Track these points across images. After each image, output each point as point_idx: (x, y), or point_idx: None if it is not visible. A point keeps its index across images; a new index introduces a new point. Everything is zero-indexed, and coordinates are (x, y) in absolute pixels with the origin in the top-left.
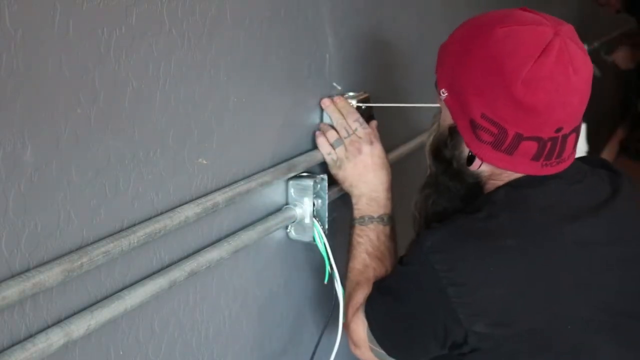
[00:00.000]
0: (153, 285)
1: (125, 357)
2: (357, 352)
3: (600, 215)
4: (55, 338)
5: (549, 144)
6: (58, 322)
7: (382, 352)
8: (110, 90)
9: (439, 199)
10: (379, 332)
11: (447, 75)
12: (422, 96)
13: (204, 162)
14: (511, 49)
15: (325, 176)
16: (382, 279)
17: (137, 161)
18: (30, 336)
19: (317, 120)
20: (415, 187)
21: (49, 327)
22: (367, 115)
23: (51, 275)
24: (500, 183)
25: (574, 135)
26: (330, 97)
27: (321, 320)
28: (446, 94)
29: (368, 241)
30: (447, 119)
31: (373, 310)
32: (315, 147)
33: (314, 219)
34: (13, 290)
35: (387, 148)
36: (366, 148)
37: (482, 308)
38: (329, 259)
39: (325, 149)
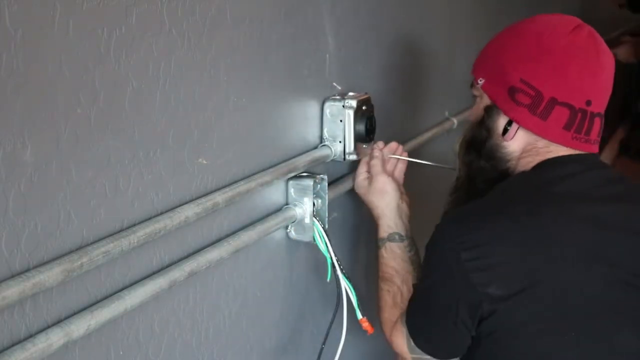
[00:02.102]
0: (153, 285)
1: (125, 357)
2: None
3: (611, 203)
4: (55, 338)
5: (579, 115)
6: (58, 322)
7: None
8: (110, 90)
9: (473, 194)
10: (412, 328)
11: (486, 64)
12: (421, 96)
13: (204, 162)
14: (547, 25)
15: (325, 176)
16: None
17: (137, 161)
18: (30, 336)
19: (317, 120)
20: (416, 187)
21: (49, 327)
22: (367, 114)
23: (51, 275)
24: (528, 166)
25: (598, 120)
26: (331, 97)
27: (322, 319)
28: (483, 80)
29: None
30: (480, 105)
31: (408, 311)
32: (315, 147)
33: (314, 219)
34: (13, 290)
35: None
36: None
37: (494, 268)
38: (330, 257)
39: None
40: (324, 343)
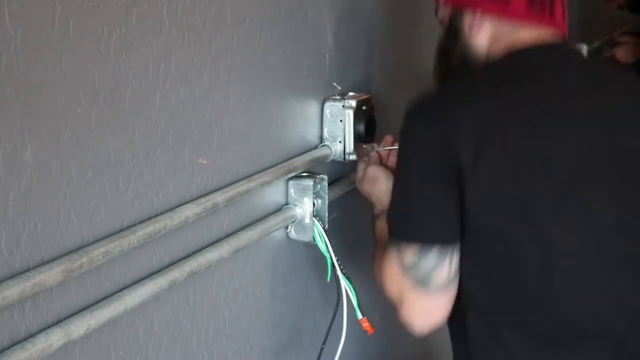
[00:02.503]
0: (153, 285)
1: (125, 357)
2: (403, 313)
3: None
4: (55, 338)
5: None
6: (58, 322)
7: (420, 279)
8: (110, 90)
9: None
10: (395, 225)
11: None
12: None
13: (204, 162)
14: None
15: (325, 176)
16: None
17: (137, 161)
18: (30, 336)
19: (317, 120)
20: None
21: (49, 327)
22: (367, 114)
23: (51, 275)
24: (497, 57)
25: (559, 3)
26: (331, 97)
27: (322, 319)
28: None
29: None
30: (445, 17)
31: (388, 214)
32: (315, 147)
33: (314, 219)
34: (13, 290)
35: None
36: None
37: (467, 132)
38: (330, 257)
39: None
40: (324, 343)
